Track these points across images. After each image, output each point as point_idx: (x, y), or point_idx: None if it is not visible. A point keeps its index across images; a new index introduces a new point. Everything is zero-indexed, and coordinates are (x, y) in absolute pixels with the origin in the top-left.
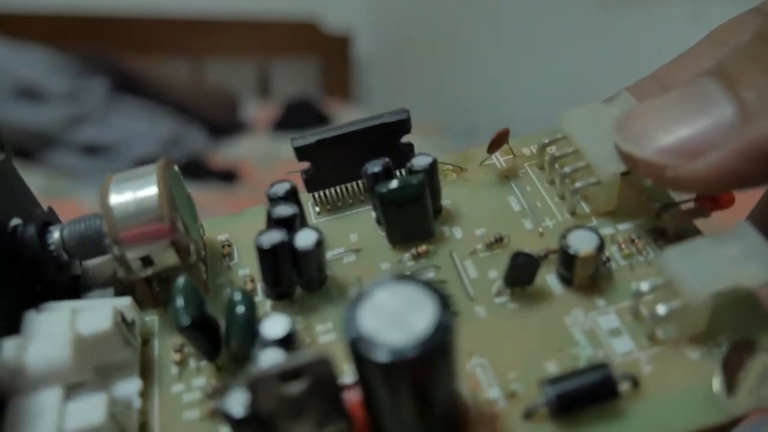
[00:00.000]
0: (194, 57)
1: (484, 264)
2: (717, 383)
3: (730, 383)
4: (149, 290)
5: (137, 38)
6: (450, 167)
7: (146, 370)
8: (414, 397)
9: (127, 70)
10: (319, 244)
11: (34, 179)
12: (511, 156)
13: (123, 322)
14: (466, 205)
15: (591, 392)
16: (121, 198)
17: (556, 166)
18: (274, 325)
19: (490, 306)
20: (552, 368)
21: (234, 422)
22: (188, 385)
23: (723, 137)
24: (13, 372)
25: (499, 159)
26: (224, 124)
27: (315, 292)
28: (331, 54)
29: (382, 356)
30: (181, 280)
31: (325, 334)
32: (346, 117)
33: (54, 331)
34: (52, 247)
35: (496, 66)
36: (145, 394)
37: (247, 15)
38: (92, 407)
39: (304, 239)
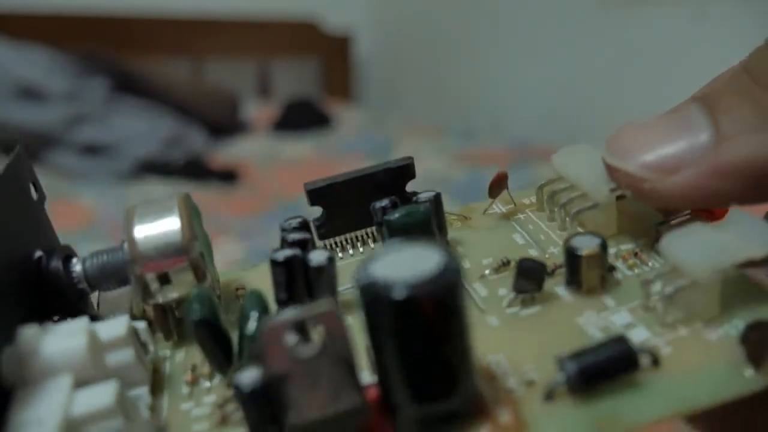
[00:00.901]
0: (194, 57)
1: (493, 284)
2: (740, 357)
3: (755, 359)
4: (164, 319)
5: (137, 38)
6: (455, 217)
7: (156, 389)
8: (425, 343)
9: (127, 70)
10: (331, 261)
11: None
12: (512, 205)
13: (137, 338)
14: (472, 242)
15: (611, 364)
16: (145, 231)
17: (554, 201)
18: (317, 256)
19: (502, 316)
20: None
21: (245, 395)
22: (198, 402)
23: (699, 157)
24: (27, 357)
25: (501, 208)
26: (224, 124)
27: None
28: (331, 54)
29: (395, 293)
30: (196, 290)
31: None
32: (347, 117)
33: (70, 328)
34: (75, 279)
35: (496, 66)
36: (154, 408)
37: (247, 15)
38: (101, 393)
39: (317, 257)
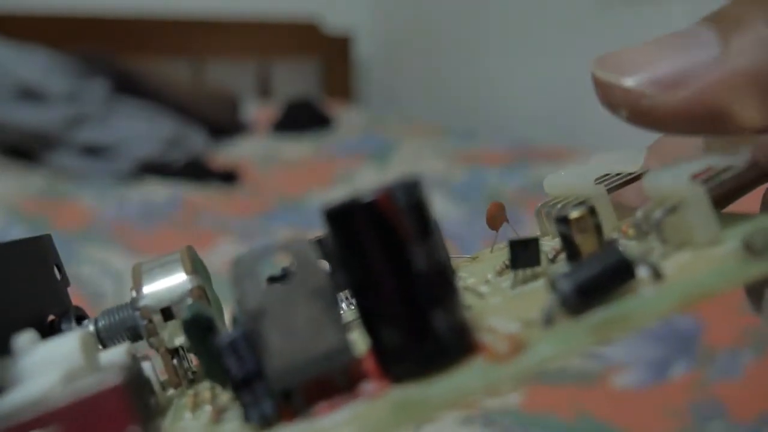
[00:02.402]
0: (195, 58)
1: (495, 283)
2: (745, 253)
3: (757, 249)
4: (171, 363)
5: (138, 39)
6: (464, 259)
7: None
8: (394, 255)
9: (127, 70)
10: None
11: (35, 180)
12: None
13: (136, 361)
14: (479, 269)
15: (607, 274)
16: (153, 287)
17: (551, 217)
18: None
19: (506, 296)
20: None
21: (224, 346)
22: (197, 417)
23: (703, 72)
24: (21, 357)
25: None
26: (225, 124)
27: None
28: (331, 55)
29: (357, 201)
30: (193, 308)
31: None
32: (347, 117)
33: (64, 337)
34: None
35: (496, 66)
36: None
37: (247, 16)
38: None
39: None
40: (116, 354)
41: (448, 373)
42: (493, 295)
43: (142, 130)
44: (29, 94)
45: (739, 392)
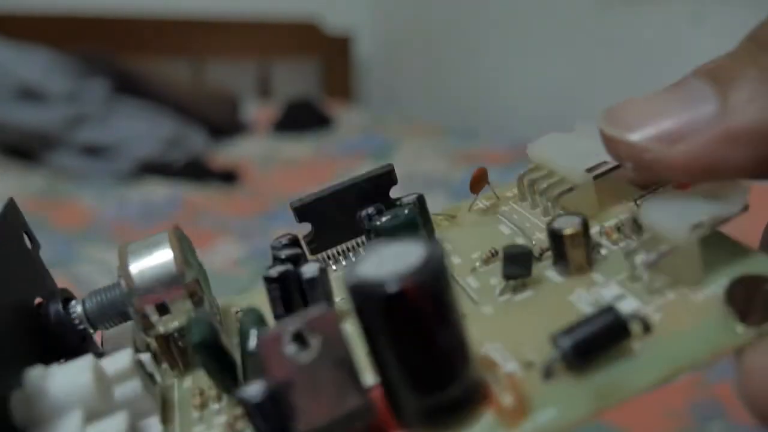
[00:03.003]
0: (195, 58)
1: (485, 276)
2: (727, 312)
3: (742, 313)
4: (168, 349)
5: (138, 39)
6: (441, 217)
7: (167, 417)
8: (420, 333)
9: (127, 70)
10: (324, 272)
11: (35, 180)
12: (496, 199)
13: (142, 369)
14: (460, 239)
15: (603, 334)
16: (140, 266)
17: (534, 189)
18: (308, 269)
19: (496, 304)
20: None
21: (252, 407)
22: (209, 424)
23: (704, 127)
24: (36, 398)
25: (485, 203)
26: (225, 124)
27: None
28: (331, 55)
29: (385, 288)
30: (194, 313)
31: None
32: (347, 117)
33: (75, 366)
34: (77, 321)
35: (496, 66)
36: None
37: (247, 16)
38: (112, 425)
39: (309, 269)
40: (122, 362)
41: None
42: (484, 302)
43: (142, 130)
44: (29, 94)
45: None
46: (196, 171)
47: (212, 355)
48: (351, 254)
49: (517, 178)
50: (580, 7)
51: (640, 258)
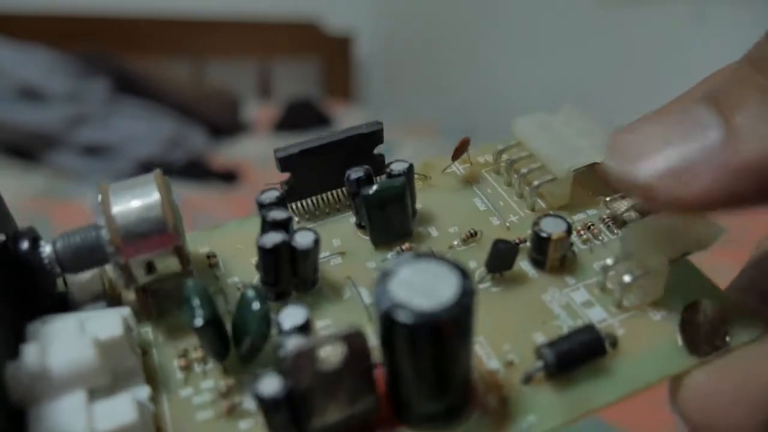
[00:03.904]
0: (195, 57)
1: (463, 256)
2: (679, 339)
3: (687, 339)
4: (145, 300)
5: (138, 39)
6: (416, 176)
7: (151, 378)
8: (439, 360)
9: (128, 70)
10: (317, 243)
11: (35, 180)
12: (469, 164)
13: (129, 332)
14: (437, 207)
15: (583, 351)
16: (123, 207)
17: (513, 169)
18: (292, 315)
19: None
20: (540, 338)
21: (268, 403)
22: (197, 389)
23: (712, 158)
24: (37, 377)
25: (459, 167)
26: (225, 124)
27: (308, 293)
28: (332, 55)
29: (416, 319)
30: (191, 283)
31: (325, 330)
32: (347, 118)
33: (68, 336)
34: (45, 261)
35: (496, 66)
36: (155, 400)
37: (248, 16)
38: (121, 407)
39: (303, 239)
40: (112, 325)
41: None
42: None
43: (142, 130)
44: (30, 94)
45: None
46: (196, 171)
47: (216, 332)
48: (327, 208)
49: (495, 152)
50: (580, 7)
51: (612, 272)
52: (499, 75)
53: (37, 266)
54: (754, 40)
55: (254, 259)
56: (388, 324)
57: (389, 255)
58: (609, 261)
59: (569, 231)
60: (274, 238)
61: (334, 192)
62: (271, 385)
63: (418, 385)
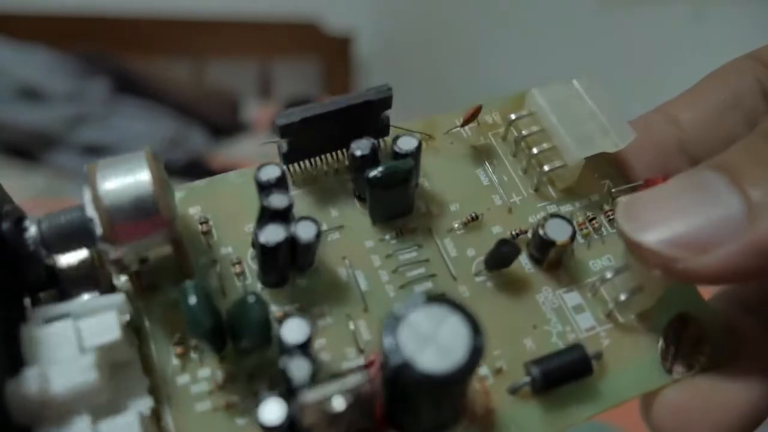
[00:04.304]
0: (195, 57)
1: (462, 241)
2: (659, 357)
3: (666, 357)
4: (139, 284)
5: (138, 39)
6: (419, 135)
7: (147, 366)
8: (445, 404)
9: (128, 70)
10: (319, 236)
11: (36, 180)
12: (476, 124)
13: (127, 329)
14: (439, 180)
15: (570, 370)
16: (112, 185)
17: (523, 144)
18: (294, 331)
19: (472, 285)
20: (530, 344)
21: (270, 430)
22: (194, 377)
23: (729, 232)
24: (40, 404)
25: (465, 128)
26: (225, 124)
27: (304, 273)
28: (332, 55)
29: (425, 380)
30: (190, 285)
31: (321, 318)
32: None
33: (67, 355)
34: (30, 242)
35: (497, 66)
36: (153, 390)
37: (248, 16)
38: (124, 426)
39: (305, 232)
40: (109, 330)
41: None
42: (461, 279)
43: (142, 129)
44: (30, 94)
45: None
46: (196, 171)
47: (214, 337)
48: (325, 169)
49: (506, 120)
50: (580, 7)
51: (609, 283)
52: (499, 75)
53: (20, 248)
54: (754, 40)
55: (248, 226)
56: (396, 376)
57: (386, 236)
58: (608, 275)
59: (573, 237)
60: (275, 234)
61: (333, 154)
62: (274, 413)
63: (417, 418)
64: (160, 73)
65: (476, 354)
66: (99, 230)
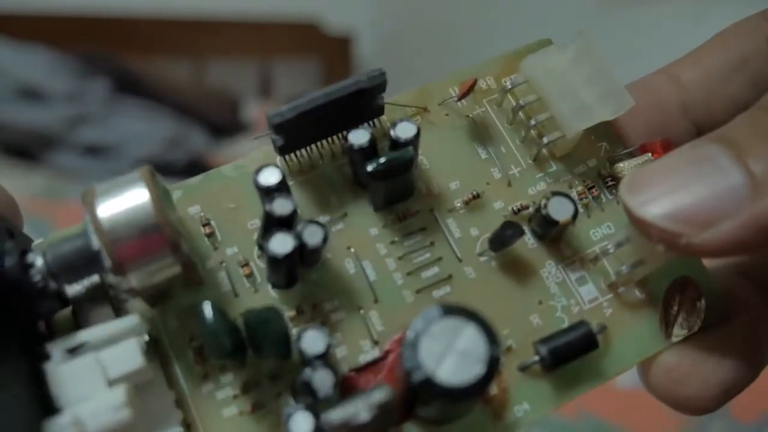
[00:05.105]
0: (195, 57)
1: (465, 221)
2: (659, 321)
3: (665, 321)
4: (153, 301)
5: (139, 39)
6: (413, 109)
7: (169, 377)
8: (462, 406)
9: (128, 70)
10: (326, 239)
11: (36, 180)
12: (472, 92)
13: (148, 349)
14: (437, 155)
15: (577, 347)
16: (113, 216)
17: (521, 114)
18: (313, 342)
19: (477, 266)
20: (536, 321)
21: None
22: (217, 383)
23: (732, 207)
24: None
25: (462, 103)
26: (225, 124)
27: (313, 267)
28: (332, 55)
29: (447, 392)
30: (207, 310)
31: (334, 313)
32: None
33: (94, 385)
34: (37, 277)
35: None
36: (180, 403)
37: (248, 16)
38: None
39: (312, 237)
40: (131, 357)
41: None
42: (466, 260)
43: (142, 129)
44: (30, 94)
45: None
46: (196, 171)
47: (236, 352)
48: (320, 158)
49: (501, 88)
50: (580, 7)
51: (611, 255)
52: None
53: (30, 287)
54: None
55: (250, 222)
56: (418, 389)
57: (390, 221)
58: (610, 248)
59: (576, 215)
60: (284, 244)
61: (328, 140)
62: (304, 425)
63: (437, 415)
64: (160, 73)
65: (494, 364)
66: (107, 263)
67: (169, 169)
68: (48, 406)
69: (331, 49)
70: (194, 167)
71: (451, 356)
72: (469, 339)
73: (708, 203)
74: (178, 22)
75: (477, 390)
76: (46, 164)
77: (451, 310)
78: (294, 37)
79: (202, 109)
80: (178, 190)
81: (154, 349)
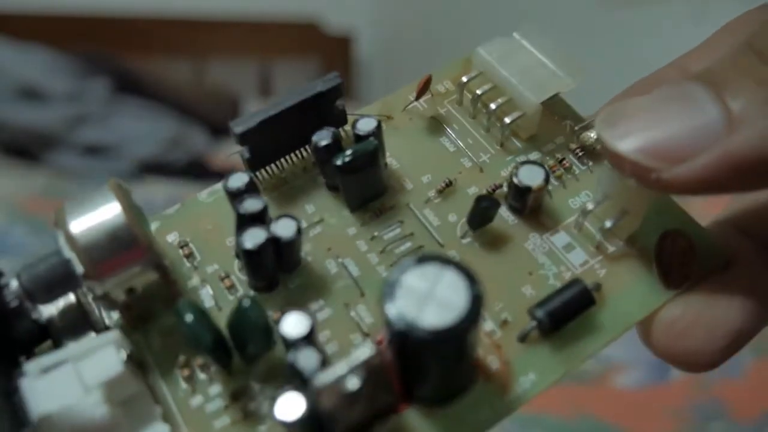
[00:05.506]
0: (196, 57)
1: (442, 209)
2: (654, 272)
3: (661, 271)
4: (131, 316)
5: (139, 39)
6: (378, 117)
7: (157, 396)
8: (453, 360)
9: (128, 70)
10: (300, 232)
11: (36, 180)
12: (429, 95)
13: (130, 361)
14: (406, 155)
15: (573, 305)
16: (83, 225)
17: (480, 105)
18: (295, 325)
19: (460, 248)
20: (529, 291)
21: (292, 426)
22: (206, 396)
23: (707, 143)
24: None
25: (420, 101)
26: (225, 124)
27: (293, 273)
28: (332, 55)
29: (432, 337)
30: (184, 303)
31: (320, 312)
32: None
33: (71, 394)
34: (11, 298)
35: None
36: (166, 418)
37: (248, 15)
38: None
39: (285, 230)
40: (110, 365)
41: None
42: (448, 244)
43: (142, 129)
44: (30, 94)
45: (740, 392)
46: (196, 171)
47: (218, 352)
48: (294, 171)
49: (458, 84)
50: (580, 7)
51: (591, 216)
52: None
53: (3, 307)
54: None
55: (228, 239)
56: (403, 341)
57: (367, 220)
58: (590, 206)
59: (548, 179)
60: (255, 236)
61: (297, 152)
62: (294, 408)
63: (433, 385)
64: (160, 72)
65: (477, 302)
66: (80, 268)
67: (169, 169)
68: (22, 421)
69: (331, 49)
70: (194, 167)
71: (432, 302)
72: (448, 283)
73: (682, 139)
74: (178, 22)
75: (463, 329)
76: (46, 164)
77: (425, 258)
78: (294, 37)
79: (202, 109)
80: (155, 221)
81: (139, 370)
